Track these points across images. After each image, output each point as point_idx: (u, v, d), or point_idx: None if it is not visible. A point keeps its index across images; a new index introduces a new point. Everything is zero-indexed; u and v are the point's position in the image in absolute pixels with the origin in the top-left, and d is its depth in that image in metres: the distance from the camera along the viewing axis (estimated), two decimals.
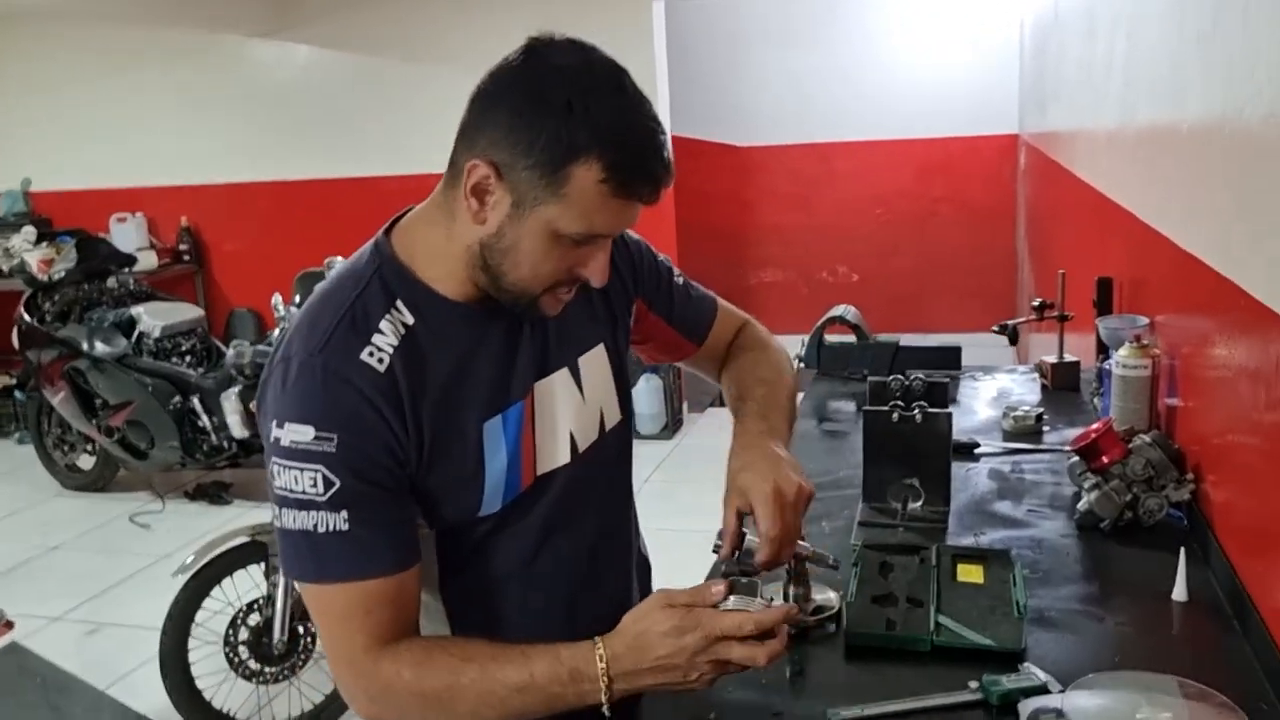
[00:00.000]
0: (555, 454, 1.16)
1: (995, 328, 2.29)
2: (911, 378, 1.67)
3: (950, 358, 2.33)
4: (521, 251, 0.99)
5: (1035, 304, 2.19)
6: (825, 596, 1.31)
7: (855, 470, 1.79)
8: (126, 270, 4.98)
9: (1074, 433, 1.89)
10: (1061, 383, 2.17)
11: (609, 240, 1.03)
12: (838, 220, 6.78)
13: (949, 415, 1.54)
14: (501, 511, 1.11)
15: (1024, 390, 2.21)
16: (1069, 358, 2.19)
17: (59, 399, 4.49)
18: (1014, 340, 2.24)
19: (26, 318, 4.61)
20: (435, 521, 1.09)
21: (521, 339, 1.11)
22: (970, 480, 1.73)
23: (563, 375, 1.16)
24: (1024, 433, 1.93)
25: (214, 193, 5.95)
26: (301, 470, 0.97)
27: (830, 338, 2.43)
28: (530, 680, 0.98)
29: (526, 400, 1.12)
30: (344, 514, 0.98)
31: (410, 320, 1.04)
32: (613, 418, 1.24)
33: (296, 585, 1.05)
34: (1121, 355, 1.72)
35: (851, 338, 2.41)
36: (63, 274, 4.68)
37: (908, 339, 2.44)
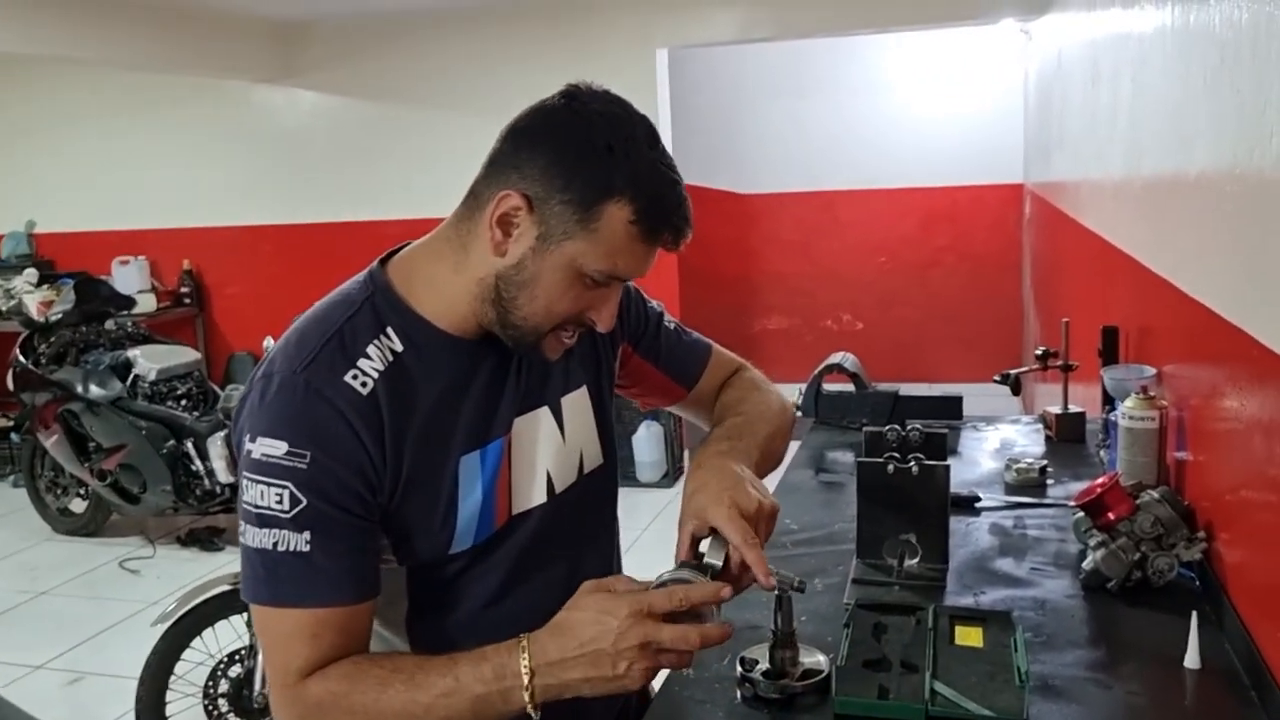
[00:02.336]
0: (531, 493, 1.14)
1: (997, 377, 2.22)
2: (909, 428, 1.60)
3: (951, 407, 2.27)
4: (540, 285, 1.00)
5: (1039, 353, 2.13)
6: (814, 659, 1.24)
7: (851, 524, 1.71)
8: (125, 313, 4.96)
9: (1079, 487, 1.82)
10: (1066, 434, 2.10)
11: (620, 287, 1.05)
12: (841, 268, 6.75)
13: (947, 468, 1.47)
14: (473, 549, 1.08)
15: (1027, 442, 2.14)
16: (1074, 408, 2.12)
17: (52, 441, 4.44)
18: (1016, 390, 2.18)
19: (21, 359, 4.58)
20: (405, 557, 1.06)
21: (509, 375, 1.11)
22: (970, 536, 1.65)
23: (544, 414, 1.15)
24: (1027, 486, 1.85)
25: (217, 236, 5.95)
26: (269, 485, 0.96)
27: (829, 386, 2.37)
28: (455, 684, 0.95)
29: (506, 437, 1.10)
30: (306, 535, 0.96)
31: (399, 348, 1.03)
32: (593, 461, 1.22)
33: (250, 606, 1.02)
34: (1128, 407, 1.65)
35: (850, 386, 2.35)
36: (60, 316, 4.66)
37: (911, 388, 2.38)
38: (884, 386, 2.31)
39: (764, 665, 1.22)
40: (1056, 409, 2.12)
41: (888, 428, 1.63)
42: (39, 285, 5.52)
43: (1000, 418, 2.32)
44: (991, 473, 1.95)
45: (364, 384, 0.99)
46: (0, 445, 5.71)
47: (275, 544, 0.96)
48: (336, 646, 0.99)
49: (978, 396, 2.71)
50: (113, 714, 3.15)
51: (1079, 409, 2.13)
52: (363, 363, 1.00)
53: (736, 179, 6.83)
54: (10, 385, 4.63)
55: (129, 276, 5.80)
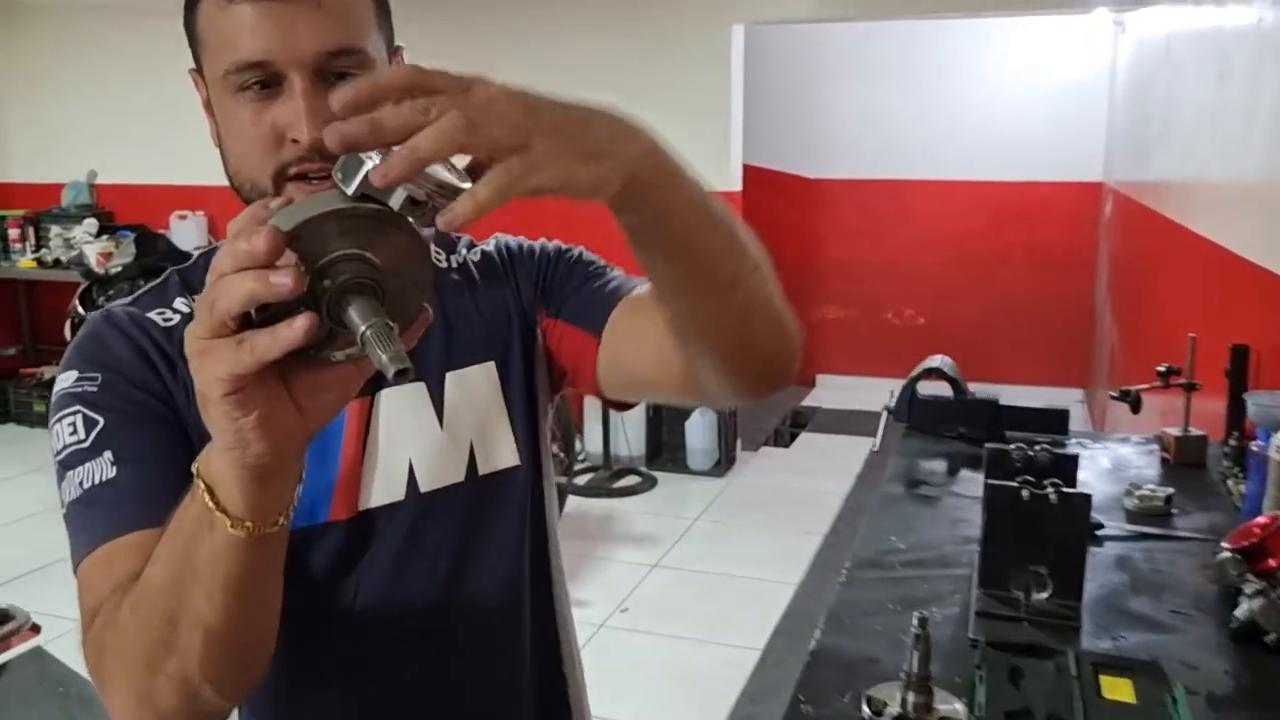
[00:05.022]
0: (387, 484, 0.94)
1: (1114, 393, 2.08)
2: (1037, 448, 1.47)
3: (1056, 421, 2.12)
4: (226, 133, 0.86)
5: (1161, 369, 1.98)
6: (950, 707, 1.12)
7: (960, 547, 1.60)
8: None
9: (1207, 519, 1.69)
10: (1185, 458, 1.95)
11: (295, 87, 0.81)
12: (906, 260, 6.58)
13: (1087, 498, 1.34)
14: (296, 538, 0.80)
15: (1142, 463, 1.99)
16: (1194, 431, 1.97)
17: None
18: (1136, 408, 2.03)
19: (80, 310, 4.56)
20: None
21: None
22: (1096, 567, 1.52)
23: (416, 391, 0.96)
24: (1150, 514, 1.71)
25: None
26: (63, 419, 0.85)
27: (924, 387, 2.23)
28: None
29: (353, 406, 0.92)
30: (108, 455, 0.83)
31: None
32: (499, 458, 0.99)
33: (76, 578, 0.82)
34: None
35: (941, 388, 2.21)
36: (119, 269, 4.63)
37: (978, 388, 2.22)
38: (982, 393, 2.17)
39: (894, 709, 1.11)
40: (1176, 430, 1.98)
41: (1013, 446, 1.51)
42: (98, 236, 5.51)
43: (1108, 435, 2.17)
44: (1107, 497, 1.81)
45: (167, 319, 0.91)
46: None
47: (82, 481, 0.82)
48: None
49: (1041, 400, 2.55)
50: None
51: (1199, 432, 1.98)
52: (178, 302, 0.93)
53: (805, 162, 6.67)
54: (68, 335, 4.61)
55: (187, 232, 5.77)
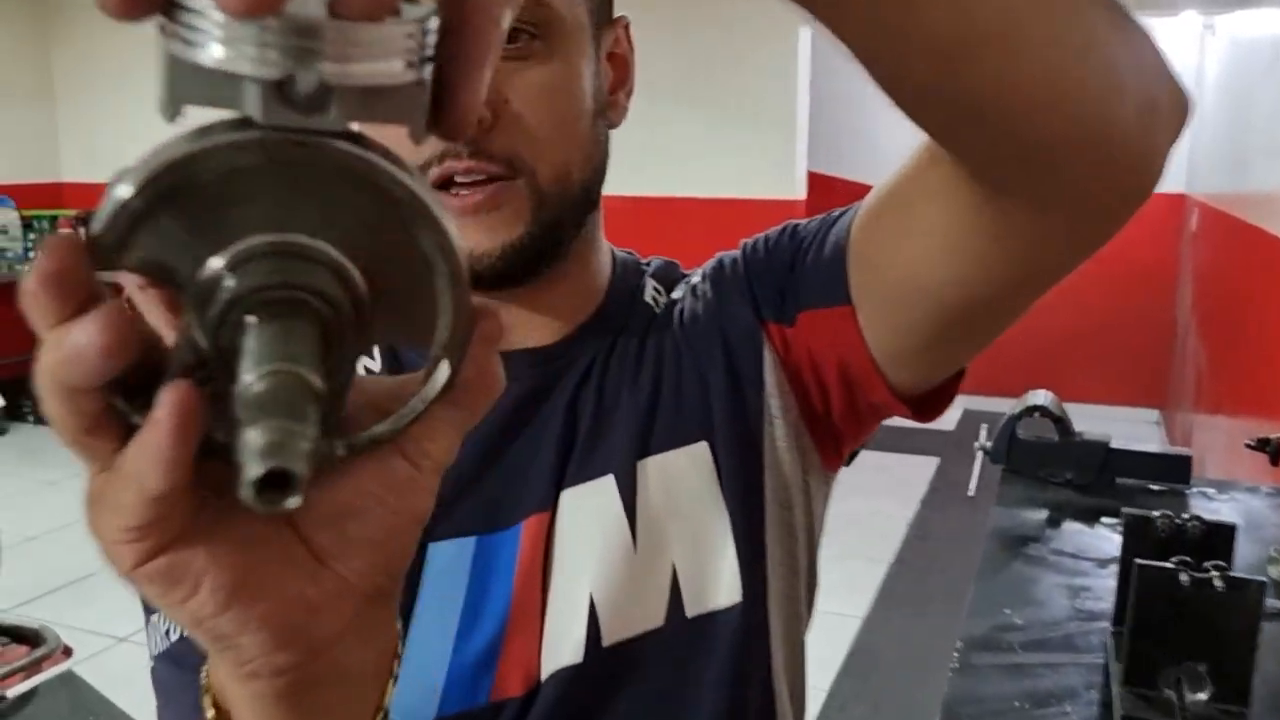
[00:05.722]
0: (566, 634, 0.64)
1: (1251, 442, 1.85)
2: (1188, 519, 1.26)
3: (1176, 468, 1.90)
4: None
5: None
6: None
7: (1087, 624, 1.40)
8: None
9: None
10: None
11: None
12: None
13: (1262, 585, 1.13)
14: None
15: (1278, 521, 1.76)
16: None
17: None
18: (1277, 459, 1.80)
19: None
20: None
21: (546, 409, 0.66)
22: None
23: (600, 488, 0.66)
24: None
25: None
26: None
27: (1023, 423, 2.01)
28: None
29: (532, 524, 0.64)
30: None
31: (375, 367, 0.68)
32: (713, 593, 0.67)
33: None
34: None
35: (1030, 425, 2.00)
36: None
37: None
38: (1091, 436, 1.95)
39: None
40: None
41: (1158, 514, 1.30)
42: None
43: (1236, 484, 1.94)
44: (1245, 561, 1.59)
45: None
46: None
47: (168, 630, 0.62)
48: None
49: (1110, 420, 2.33)
50: None
51: None
52: None
53: (871, 170, 6.42)
54: None
55: None
